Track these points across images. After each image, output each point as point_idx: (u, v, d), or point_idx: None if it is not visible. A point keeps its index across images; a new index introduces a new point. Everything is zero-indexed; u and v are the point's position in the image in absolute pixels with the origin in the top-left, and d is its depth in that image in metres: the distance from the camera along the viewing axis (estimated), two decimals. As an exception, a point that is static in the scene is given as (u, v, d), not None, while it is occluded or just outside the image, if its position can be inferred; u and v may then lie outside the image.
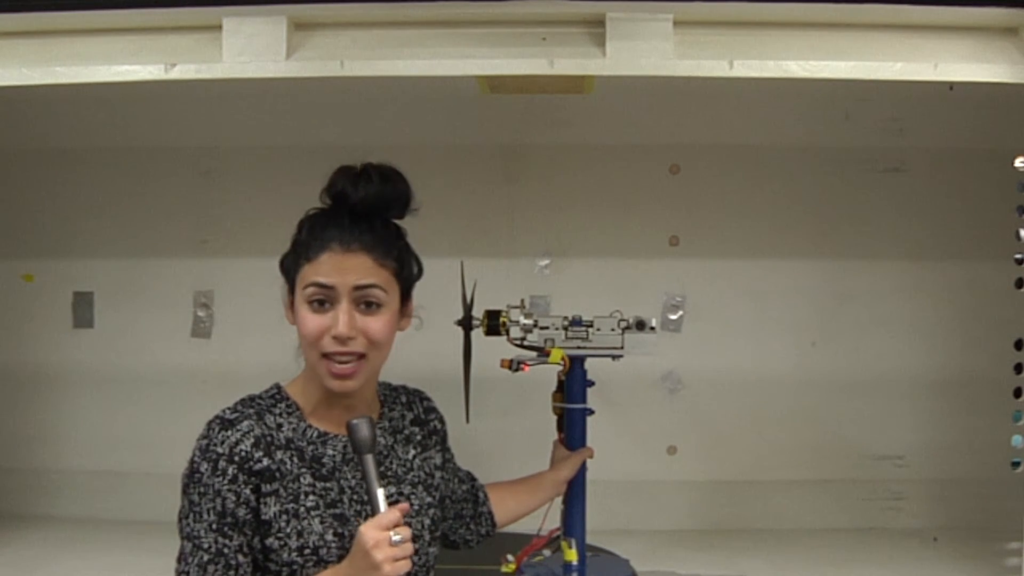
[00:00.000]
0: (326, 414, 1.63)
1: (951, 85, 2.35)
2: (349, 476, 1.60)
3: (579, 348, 2.45)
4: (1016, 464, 3.12)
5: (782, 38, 2.32)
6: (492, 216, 3.20)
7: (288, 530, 1.54)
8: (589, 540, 2.52)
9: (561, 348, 2.43)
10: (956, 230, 3.16)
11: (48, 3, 2.30)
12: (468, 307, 2.52)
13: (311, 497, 1.55)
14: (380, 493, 1.48)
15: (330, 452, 1.60)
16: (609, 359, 2.49)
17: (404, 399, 1.77)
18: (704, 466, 3.18)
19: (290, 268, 1.63)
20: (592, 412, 2.48)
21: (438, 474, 1.75)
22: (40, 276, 3.27)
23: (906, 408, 3.16)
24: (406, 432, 1.72)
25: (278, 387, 1.66)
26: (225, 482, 1.52)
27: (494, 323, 2.47)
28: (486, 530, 1.97)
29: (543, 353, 2.43)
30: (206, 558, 1.52)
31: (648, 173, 3.20)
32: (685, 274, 3.20)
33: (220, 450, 1.53)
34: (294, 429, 1.60)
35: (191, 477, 1.54)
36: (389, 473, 1.65)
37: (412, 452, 1.71)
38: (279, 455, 1.56)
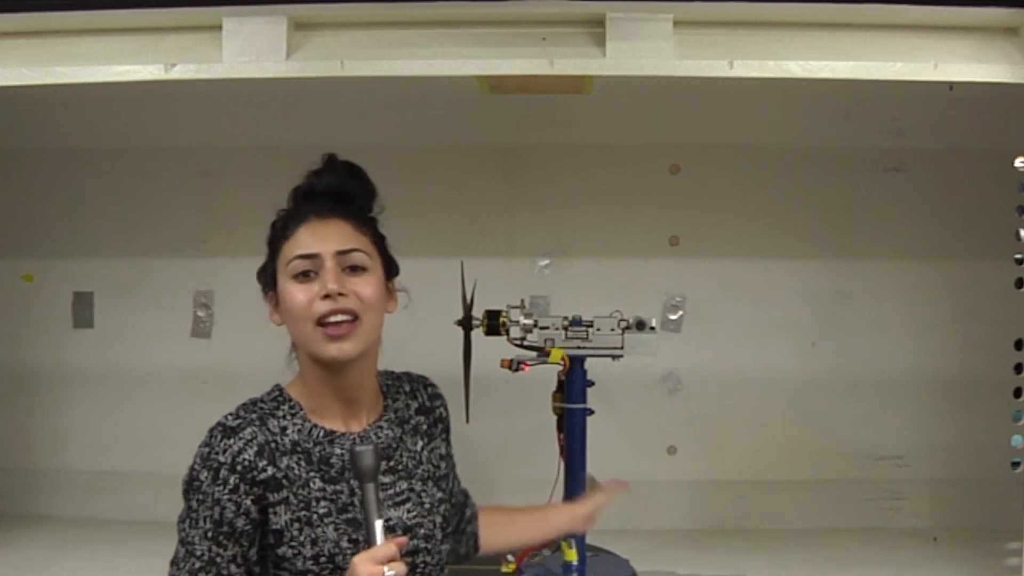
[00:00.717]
0: (330, 410, 1.59)
1: (951, 85, 2.35)
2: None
3: (579, 348, 2.46)
4: (1016, 464, 3.12)
5: (782, 38, 2.32)
6: (492, 216, 3.20)
7: (301, 538, 1.50)
8: (589, 540, 2.53)
9: (561, 348, 2.44)
10: (956, 230, 3.16)
11: (48, 3, 2.30)
12: (468, 307, 2.53)
13: (323, 503, 1.52)
14: (378, 525, 1.42)
15: (338, 451, 1.57)
16: (609, 359, 2.49)
17: (408, 387, 1.71)
18: (704, 466, 3.18)
19: (268, 266, 1.62)
20: (592, 412, 2.48)
21: (444, 464, 1.70)
22: (40, 276, 3.27)
23: (906, 408, 3.16)
24: (412, 422, 1.67)
25: (279, 388, 1.63)
26: (226, 491, 1.49)
27: (494, 323, 2.48)
28: (465, 551, 1.84)
29: (543, 353, 2.44)
30: (198, 565, 1.50)
31: (648, 173, 3.20)
32: (685, 274, 3.20)
33: (222, 459, 1.49)
34: (299, 430, 1.57)
35: (191, 484, 1.51)
36: (400, 467, 1.60)
37: (420, 443, 1.66)
38: (285, 461, 1.53)
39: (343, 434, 1.58)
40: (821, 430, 3.16)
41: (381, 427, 1.62)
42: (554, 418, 2.49)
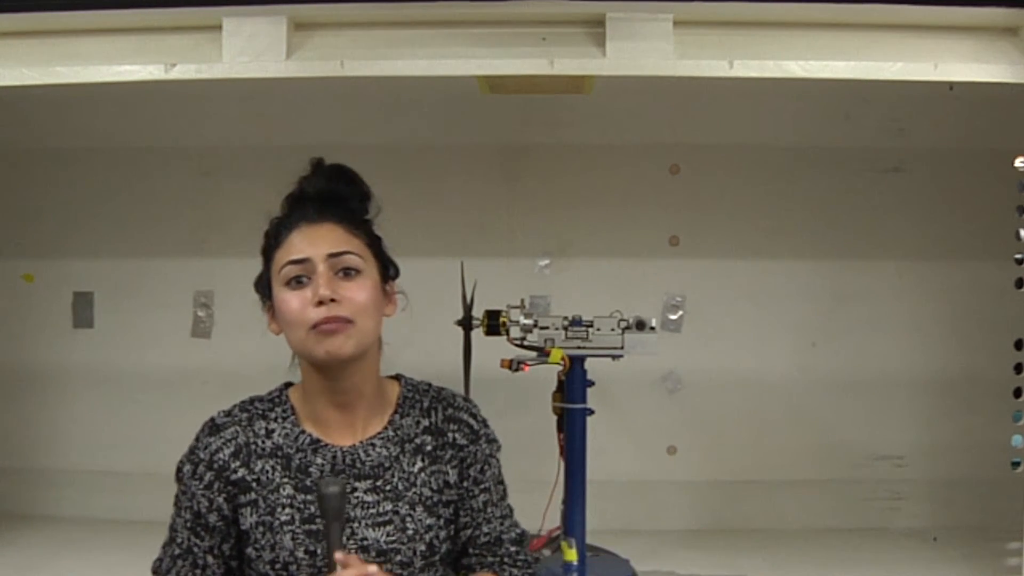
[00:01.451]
0: (324, 417, 1.59)
1: (951, 85, 2.35)
2: None
3: (579, 348, 2.46)
4: (1016, 464, 3.11)
5: (782, 38, 2.32)
6: (492, 216, 3.20)
7: (263, 542, 1.53)
8: (589, 540, 2.53)
9: (561, 348, 2.44)
10: (956, 230, 3.15)
11: (48, 3, 2.30)
12: (468, 307, 2.53)
13: (287, 510, 1.53)
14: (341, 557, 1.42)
15: (319, 461, 1.56)
16: (609, 359, 2.49)
17: (425, 404, 1.64)
18: (704, 466, 3.18)
19: (264, 275, 1.61)
20: (592, 412, 2.48)
21: (449, 492, 1.61)
22: (40, 276, 3.27)
23: (906, 408, 3.16)
24: (416, 441, 1.61)
25: (284, 388, 1.64)
26: (201, 487, 1.55)
27: (494, 323, 2.48)
28: None
29: (543, 353, 2.44)
30: (177, 552, 1.56)
31: (648, 173, 3.19)
32: (685, 274, 3.20)
33: (202, 455, 1.56)
34: (287, 435, 1.57)
35: (177, 474, 1.58)
36: (387, 488, 1.57)
37: (419, 464, 1.60)
38: (260, 465, 1.55)
39: (327, 444, 1.58)
40: (821, 430, 3.16)
41: (374, 444, 1.59)
42: (554, 418, 2.49)
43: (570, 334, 2.47)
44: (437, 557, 1.60)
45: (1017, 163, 3.08)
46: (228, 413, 1.60)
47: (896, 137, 3.17)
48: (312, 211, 1.58)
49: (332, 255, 1.54)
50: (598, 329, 2.48)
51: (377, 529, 1.55)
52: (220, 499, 1.54)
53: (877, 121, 3.15)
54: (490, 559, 1.66)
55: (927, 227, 3.17)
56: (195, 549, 1.55)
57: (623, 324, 2.49)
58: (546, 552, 2.55)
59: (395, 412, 1.63)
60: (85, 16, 2.32)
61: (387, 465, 1.59)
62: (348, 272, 1.55)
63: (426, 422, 1.64)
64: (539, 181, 3.19)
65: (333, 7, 2.31)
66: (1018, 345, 3.11)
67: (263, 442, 1.56)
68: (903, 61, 2.30)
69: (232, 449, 1.55)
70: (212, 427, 1.58)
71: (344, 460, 1.57)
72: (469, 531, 1.64)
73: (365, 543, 1.53)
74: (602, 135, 3.17)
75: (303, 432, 1.58)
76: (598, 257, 3.19)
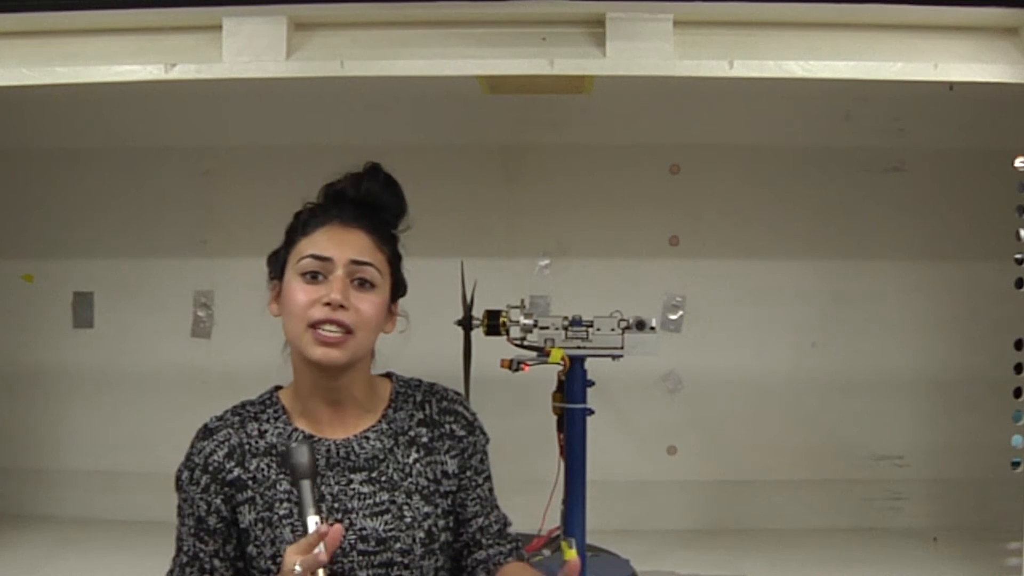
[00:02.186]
0: (315, 412, 1.60)
1: (951, 85, 2.35)
2: (332, 483, 1.56)
3: (579, 348, 2.46)
4: (1016, 464, 3.11)
5: (782, 38, 2.32)
6: (492, 216, 3.20)
7: (263, 538, 1.54)
8: (589, 540, 2.53)
9: (561, 348, 2.44)
10: (956, 230, 3.16)
11: (48, 3, 2.30)
12: (468, 307, 2.53)
13: (285, 505, 1.54)
14: (311, 521, 1.41)
15: (291, 444, 1.58)
16: (609, 359, 2.49)
17: (419, 397, 1.66)
18: (704, 466, 3.19)
19: (281, 253, 1.61)
20: (592, 412, 2.48)
21: (448, 482, 1.62)
22: (40, 276, 3.27)
23: (906, 408, 3.17)
24: (410, 434, 1.63)
25: (273, 390, 1.65)
26: (199, 491, 1.56)
27: (494, 323, 2.48)
28: None
29: (543, 353, 2.44)
30: (184, 560, 1.57)
31: (648, 173, 3.20)
32: (685, 274, 3.20)
33: (196, 460, 1.57)
34: (279, 434, 1.59)
35: (177, 483, 1.59)
36: (383, 479, 1.58)
37: (414, 456, 1.62)
38: (255, 463, 1.56)
39: (320, 439, 1.59)
40: (821, 430, 3.16)
41: (367, 437, 1.60)
42: (554, 418, 2.49)
43: (570, 334, 2.47)
44: (437, 545, 1.61)
45: (1017, 163, 3.08)
46: (220, 417, 1.61)
47: (896, 137, 3.17)
48: (349, 212, 1.58)
49: (354, 262, 1.55)
50: (598, 329, 2.48)
51: (375, 519, 1.56)
52: (218, 501, 1.55)
53: (877, 121, 3.15)
54: (508, 546, 1.69)
55: (927, 227, 3.17)
56: (201, 555, 1.56)
57: (623, 324, 2.49)
58: (546, 552, 2.55)
59: (388, 407, 1.65)
60: (85, 16, 2.32)
61: (381, 457, 1.60)
62: (363, 283, 1.56)
63: (420, 415, 1.65)
64: (539, 181, 3.19)
65: (333, 7, 2.31)
66: (1018, 345, 3.11)
67: (256, 442, 1.58)
68: (903, 61, 2.30)
69: (226, 451, 1.56)
70: (205, 432, 1.59)
71: (338, 453, 1.58)
72: (480, 519, 1.66)
73: (364, 532, 1.55)
74: (602, 135, 3.17)
75: (296, 429, 1.59)
76: (598, 257, 3.19)
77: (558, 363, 2.43)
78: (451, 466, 1.64)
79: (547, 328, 2.47)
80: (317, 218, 1.58)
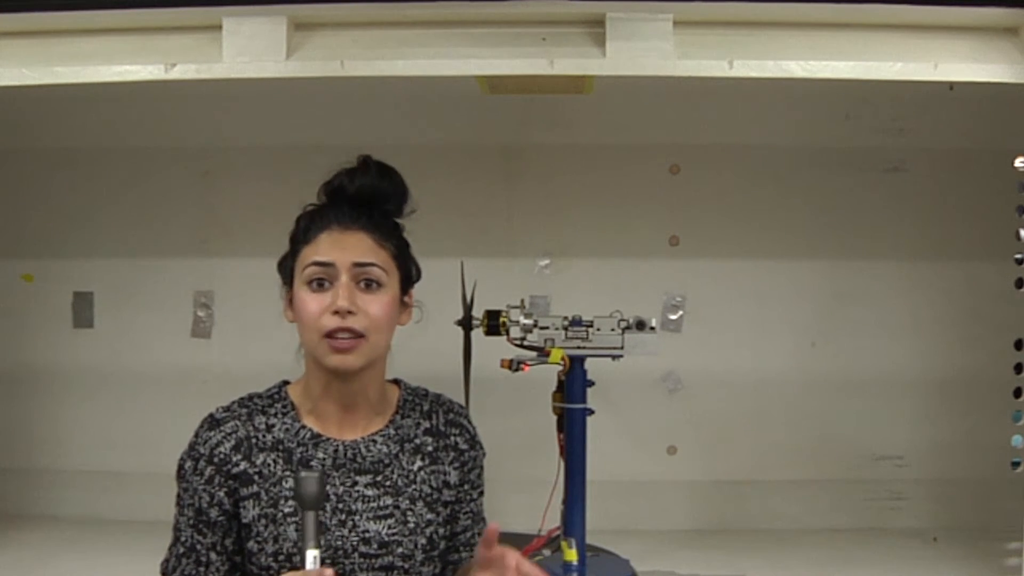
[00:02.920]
0: (326, 413, 1.60)
1: (951, 85, 2.35)
2: (337, 483, 1.57)
3: (579, 348, 2.46)
4: (1016, 464, 3.11)
5: (782, 38, 2.32)
6: (492, 216, 3.20)
7: (266, 534, 1.54)
8: (589, 540, 2.53)
9: (561, 348, 2.44)
10: (956, 230, 3.15)
11: (48, 3, 2.30)
12: (468, 307, 2.53)
13: (290, 502, 1.54)
14: (310, 555, 1.40)
15: (320, 455, 1.58)
16: (609, 359, 2.50)
17: (426, 407, 1.69)
18: (704, 466, 3.18)
19: (288, 261, 1.62)
20: (592, 412, 2.48)
21: (448, 492, 1.65)
22: (40, 276, 3.27)
23: (906, 408, 3.16)
24: (416, 441, 1.65)
25: (281, 385, 1.65)
26: (202, 482, 1.56)
27: (494, 323, 2.48)
28: None
29: (543, 353, 2.44)
30: (181, 550, 1.57)
31: (648, 173, 3.19)
32: (685, 274, 3.20)
33: (202, 450, 1.56)
34: (287, 430, 1.59)
35: (178, 471, 1.59)
36: (387, 483, 1.59)
37: (418, 463, 1.63)
38: (261, 458, 1.56)
39: (328, 439, 1.59)
40: (821, 430, 3.16)
41: (375, 441, 1.61)
42: (554, 418, 2.49)
43: (570, 334, 2.47)
44: (436, 552, 1.62)
45: (1017, 163, 3.09)
46: (227, 409, 1.61)
47: (896, 137, 3.16)
48: (346, 212, 1.58)
49: (357, 264, 1.55)
50: (598, 329, 2.48)
51: (379, 522, 1.57)
52: (221, 493, 1.55)
53: (877, 121, 3.15)
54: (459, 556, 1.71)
55: (927, 227, 3.17)
56: (198, 546, 1.56)
57: (623, 324, 2.49)
58: (546, 552, 2.55)
59: (396, 413, 1.66)
60: (85, 16, 2.32)
61: (387, 462, 1.61)
62: (370, 284, 1.56)
63: (427, 424, 1.67)
64: (539, 181, 3.19)
65: (333, 7, 2.31)
66: (1018, 345, 3.11)
67: (263, 436, 1.58)
68: (903, 61, 2.30)
69: (233, 443, 1.56)
70: (211, 422, 1.59)
71: (345, 454, 1.59)
72: (468, 533, 1.70)
73: (367, 535, 1.55)
74: (602, 135, 3.17)
75: (304, 427, 1.60)
76: (598, 257, 3.19)
77: (558, 363, 2.43)
78: (452, 477, 1.66)
79: (547, 328, 2.47)
80: (317, 223, 1.59)
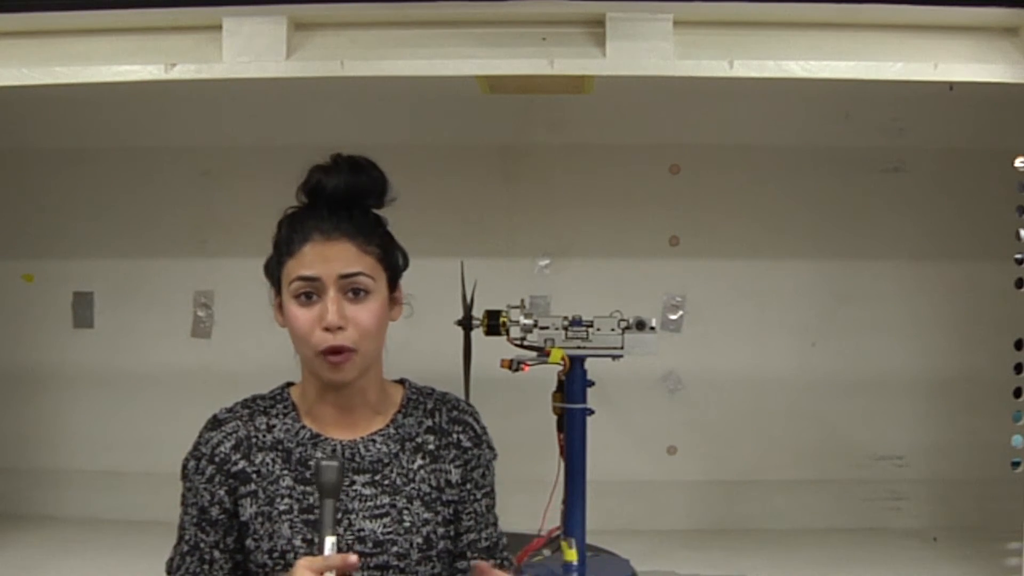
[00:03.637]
0: (324, 414, 1.61)
1: (951, 85, 2.35)
2: None
3: (579, 348, 2.46)
4: (1016, 464, 3.12)
5: (782, 38, 2.32)
6: (492, 216, 3.20)
7: (262, 532, 1.55)
8: (589, 540, 2.53)
9: (561, 348, 2.44)
10: (956, 230, 3.15)
11: (48, 3, 2.30)
12: (468, 307, 2.53)
13: (286, 500, 1.55)
14: (328, 542, 1.41)
15: (319, 455, 1.58)
16: (609, 359, 2.49)
17: (429, 405, 1.67)
18: (704, 466, 3.18)
19: (273, 269, 1.61)
20: (592, 412, 2.48)
21: (451, 491, 1.64)
22: (40, 276, 3.27)
23: (906, 408, 3.16)
24: (417, 440, 1.64)
25: (285, 386, 1.66)
26: (203, 481, 1.57)
27: (494, 323, 2.48)
28: None
29: (543, 353, 2.44)
30: (185, 549, 1.58)
31: (648, 173, 3.19)
32: (685, 274, 3.20)
33: (204, 450, 1.58)
34: (287, 430, 1.60)
35: (183, 471, 1.60)
36: (385, 482, 1.59)
37: (419, 462, 1.62)
38: (260, 457, 1.57)
39: (326, 439, 1.60)
40: (821, 430, 3.16)
41: (374, 440, 1.61)
42: (554, 418, 2.49)
43: (570, 334, 2.47)
44: (434, 552, 1.61)
45: (1017, 163, 3.09)
46: (230, 409, 1.62)
47: (896, 137, 3.17)
48: (327, 218, 1.56)
49: (343, 276, 1.55)
50: (598, 329, 2.48)
51: (374, 521, 1.57)
52: (221, 492, 1.56)
53: (877, 121, 3.15)
54: (492, 563, 1.65)
55: (927, 227, 3.17)
56: (202, 545, 1.57)
57: (623, 324, 2.49)
58: (546, 552, 2.55)
59: (398, 412, 1.66)
60: (85, 16, 2.32)
61: (386, 461, 1.61)
62: (357, 292, 1.56)
63: (429, 422, 1.66)
64: (539, 181, 3.19)
65: (333, 7, 2.31)
66: (1018, 345, 3.11)
67: (264, 436, 1.59)
68: (903, 61, 2.30)
69: (233, 442, 1.57)
70: (214, 422, 1.60)
71: (344, 454, 1.59)
72: (472, 535, 1.67)
73: (362, 534, 1.55)
74: (602, 135, 3.17)
75: (303, 427, 1.60)
76: (598, 257, 3.19)
77: (558, 363, 2.43)
78: (455, 475, 1.65)
79: (547, 328, 2.47)
80: (299, 233, 1.57)
